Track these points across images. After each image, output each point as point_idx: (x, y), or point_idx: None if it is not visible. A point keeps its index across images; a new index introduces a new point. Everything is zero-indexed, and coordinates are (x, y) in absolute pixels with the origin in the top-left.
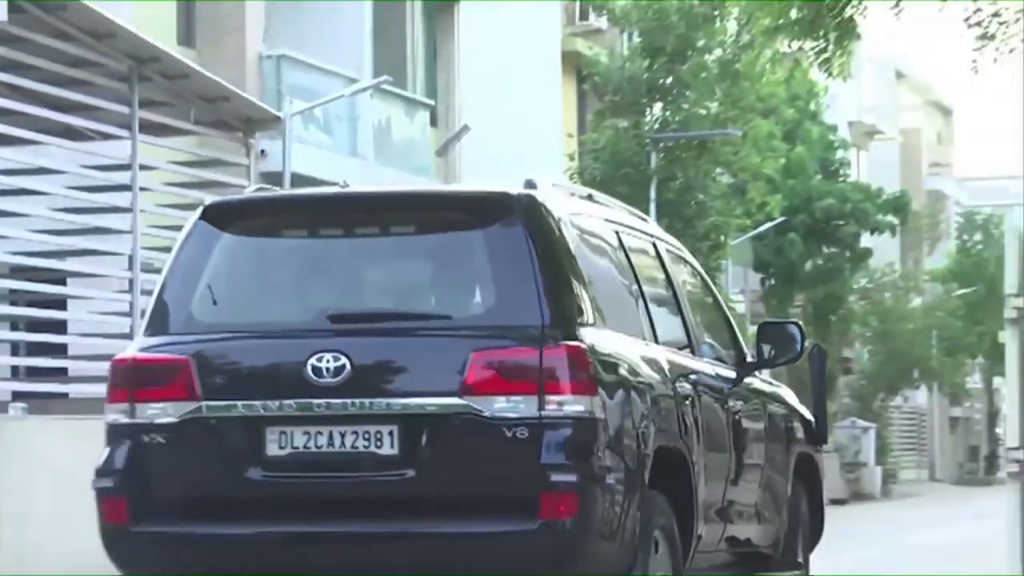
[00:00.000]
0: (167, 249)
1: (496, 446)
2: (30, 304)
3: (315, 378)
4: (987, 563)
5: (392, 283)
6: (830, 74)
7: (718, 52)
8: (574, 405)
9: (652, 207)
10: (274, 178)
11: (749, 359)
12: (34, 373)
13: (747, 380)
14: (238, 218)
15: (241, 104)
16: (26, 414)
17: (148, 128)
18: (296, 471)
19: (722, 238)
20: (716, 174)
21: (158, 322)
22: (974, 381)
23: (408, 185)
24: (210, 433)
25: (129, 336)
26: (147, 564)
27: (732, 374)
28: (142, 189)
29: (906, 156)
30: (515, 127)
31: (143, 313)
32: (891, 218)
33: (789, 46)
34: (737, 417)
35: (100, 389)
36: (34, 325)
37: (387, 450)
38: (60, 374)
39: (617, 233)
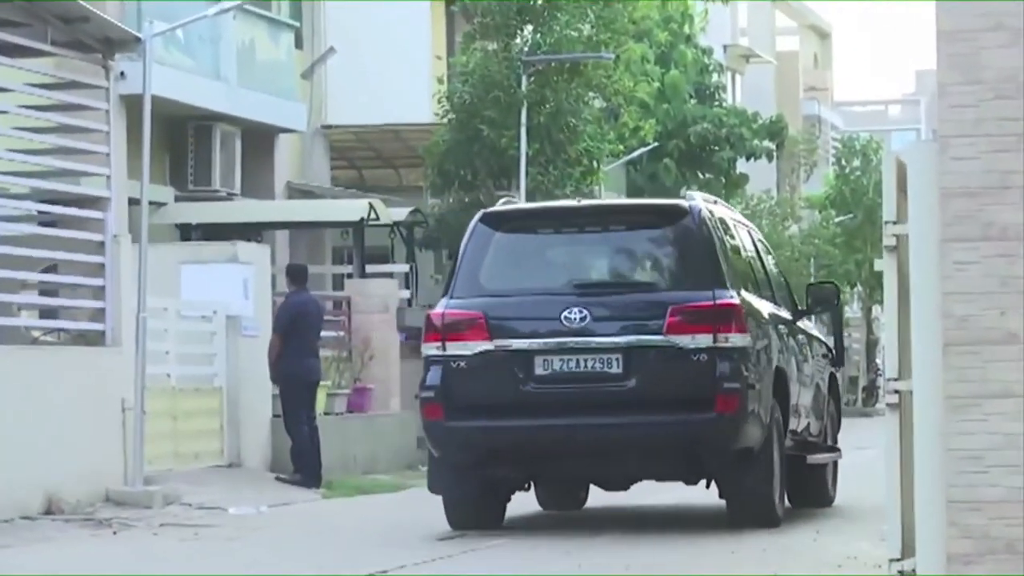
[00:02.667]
0: (26, 174)
1: (686, 366)
2: None
3: (566, 325)
4: (864, 490)
5: (613, 262)
6: None
7: None
8: (735, 340)
9: (522, 132)
10: (133, 100)
11: (800, 308)
12: None
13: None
14: (506, 221)
15: (100, 25)
16: None
17: (3, 49)
18: (555, 384)
19: (595, 164)
20: (588, 98)
21: (458, 289)
22: (852, 310)
23: (618, 200)
24: (497, 361)
25: None
26: (455, 447)
27: (790, 317)
28: None
29: (782, 80)
30: (383, 49)
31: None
32: (767, 143)
33: None
34: (800, 347)
35: None
36: None
37: (615, 370)
38: None
39: (734, 224)
